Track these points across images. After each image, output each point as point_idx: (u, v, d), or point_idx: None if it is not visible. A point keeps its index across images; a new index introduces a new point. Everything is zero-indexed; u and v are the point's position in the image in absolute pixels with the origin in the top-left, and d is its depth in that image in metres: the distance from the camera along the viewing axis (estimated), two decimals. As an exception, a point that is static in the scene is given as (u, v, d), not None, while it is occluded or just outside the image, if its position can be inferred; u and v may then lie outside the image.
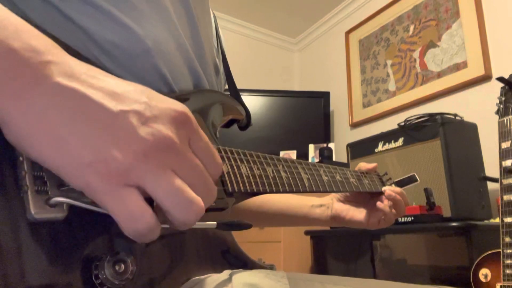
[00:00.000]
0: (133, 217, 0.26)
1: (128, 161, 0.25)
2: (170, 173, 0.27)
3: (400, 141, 1.64)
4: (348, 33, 2.75)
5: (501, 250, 1.08)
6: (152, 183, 0.26)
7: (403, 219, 1.45)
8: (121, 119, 0.26)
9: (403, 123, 1.65)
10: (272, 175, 0.49)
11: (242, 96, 0.56)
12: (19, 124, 0.24)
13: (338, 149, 2.49)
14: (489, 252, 1.15)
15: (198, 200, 0.28)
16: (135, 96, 0.27)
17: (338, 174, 0.64)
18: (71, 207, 0.29)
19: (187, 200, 0.27)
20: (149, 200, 0.27)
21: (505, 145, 1.13)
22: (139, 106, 0.27)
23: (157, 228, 0.27)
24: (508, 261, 1.06)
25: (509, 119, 1.13)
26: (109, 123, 0.25)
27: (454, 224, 1.32)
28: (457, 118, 1.57)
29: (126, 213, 0.26)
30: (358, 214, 0.72)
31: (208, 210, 0.41)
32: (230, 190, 0.43)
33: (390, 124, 2.10)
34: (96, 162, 0.25)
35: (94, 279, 0.30)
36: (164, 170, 0.27)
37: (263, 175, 0.48)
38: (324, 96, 2.72)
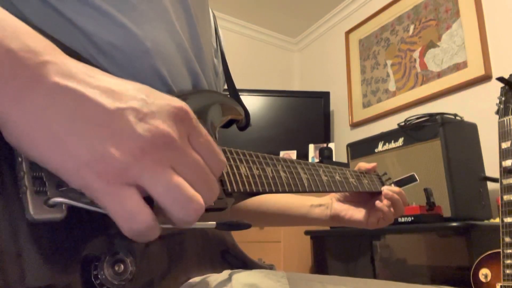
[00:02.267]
0: (130, 217, 0.26)
1: (125, 159, 0.25)
2: (169, 170, 0.27)
3: (400, 141, 1.64)
4: (348, 33, 2.75)
5: (501, 250, 1.08)
6: (150, 180, 0.26)
7: (403, 219, 1.45)
8: (117, 117, 0.26)
9: (403, 123, 1.65)
10: (271, 175, 0.49)
11: (242, 96, 0.56)
12: (19, 125, 0.24)
13: (338, 149, 2.49)
14: (489, 252, 1.15)
15: (198, 197, 0.28)
16: (132, 93, 0.27)
17: (337, 174, 0.64)
18: (70, 207, 0.29)
19: (186, 197, 0.27)
20: (150, 199, 0.27)
21: (505, 145, 1.13)
22: (136, 103, 0.27)
23: (155, 228, 0.27)
24: (508, 261, 1.06)
25: (509, 119, 1.13)
26: (105, 121, 0.25)
27: (454, 224, 1.32)
28: (457, 118, 1.57)
29: (123, 212, 0.25)
30: (357, 213, 0.72)
31: (207, 210, 0.41)
32: (229, 190, 0.43)
33: (390, 124, 2.10)
34: (93, 161, 0.25)
35: (93, 280, 0.30)
36: (162, 167, 0.26)
37: (262, 175, 0.48)
38: (324, 96, 2.72)
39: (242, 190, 0.44)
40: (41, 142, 0.25)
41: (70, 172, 0.25)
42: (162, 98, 0.28)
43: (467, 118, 1.62)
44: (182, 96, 0.44)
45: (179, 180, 0.27)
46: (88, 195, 0.26)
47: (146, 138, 0.26)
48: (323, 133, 2.64)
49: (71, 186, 0.26)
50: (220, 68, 0.61)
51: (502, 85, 1.19)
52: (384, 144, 1.70)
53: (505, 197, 1.10)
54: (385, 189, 0.72)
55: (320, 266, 1.94)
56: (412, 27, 2.26)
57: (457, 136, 1.51)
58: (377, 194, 0.72)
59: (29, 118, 0.24)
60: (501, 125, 1.15)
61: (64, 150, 0.25)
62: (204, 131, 0.30)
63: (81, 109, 0.25)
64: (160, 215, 0.27)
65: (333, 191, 0.62)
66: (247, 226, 0.36)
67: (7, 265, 0.26)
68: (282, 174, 0.51)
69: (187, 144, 0.29)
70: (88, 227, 0.31)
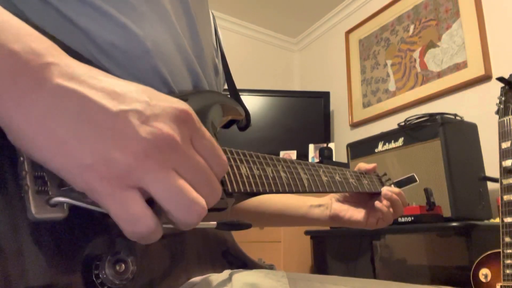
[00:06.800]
0: (133, 220, 0.26)
1: (128, 162, 0.25)
2: (172, 172, 0.27)
3: (400, 141, 1.64)
4: (348, 33, 2.75)
5: (501, 250, 1.08)
6: (153, 183, 0.26)
7: (403, 219, 1.45)
8: (121, 119, 0.25)
9: (403, 123, 1.65)
10: (271, 175, 0.49)
11: (242, 96, 0.56)
12: (21, 127, 0.24)
13: (338, 149, 2.49)
14: (489, 252, 1.15)
15: (200, 200, 0.28)
16: (135, 96, 0.27)
17: (337, 174, 0.64)
18: (71, 207, 0.29)
19: (189, 200, 0.27)
20: (151, 200, 0.27)
21: (505, 145, 1.13)
22: (139, 105, 0.27)
23: (158, 230, 0.27)
24: (508, 261, 1.06)
25: (509, 119, 1.14)
26: (109, 123, 0.25)
27: (454, 224, 1.32)
28: (457, 118, 1.58)
29: (126, 216, 0.26)
30: (356, 214, 0.72)
31: (208, 210, 0.41)
32: (230, 190, 0.43)
33: (390, 124, 2.10)
34: (96, 164, 0.25)
35: (94, 279, 0.30)
36: (165, 170, 0.26)
37: (262, 176, 0.48)
38: (324, 96, 2.72)
39: (242, 190, 0.44)
40: (43, 143, 0.25)
41: (73, 175, 0.25)
42: (165, 100, 0.28)
43: (467, 118, 1.62)
44: (182, 96, 0.44)
45: (181, 183, 0.27)
46: (90, 196, 0.26)
47: (149, 141, 0.26)
48: (323, 133, 2.64)
49: (73, 187, 0.26)
50: (220, 68, 0.61)
51: (502, 85, 1.19)
52: (384, 144, 1.70)
53: (505, 197, 1.10)
54: (385, 189, 0.72)
55: (320, 266, 1.94)
56: (412, 27, 2.26)
57: (457, 136, 1.51)
58: (377, 195, 0.72)
59: (31, 120, 0.24)
60: (501, 125, 1.15)
61: (67, 153, 0.25)
62: (207, 133, 0.30)
63: (84, 112, 0.25)
64: (161, 216, 0.27)
65: (333, 192, 0.62)
66: (247, 226, 0.36)
67: (8, 264, 0.26)
68: (282, 174, 0.51)
69: (190, 147, 0.28)
70: (89, 226, 0.31)
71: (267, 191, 0.48)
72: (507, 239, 1.07)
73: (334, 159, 2.41)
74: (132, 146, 0.25)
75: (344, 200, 0.74)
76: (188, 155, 0.28)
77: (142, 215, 0.26)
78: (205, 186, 0.29)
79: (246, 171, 0.46)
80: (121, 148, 0.25)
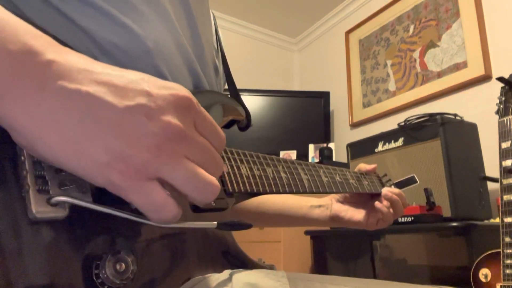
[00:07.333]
0: (159, 208, 0.28)
1: (144, 157, 0.26)
2: (184, 160, 0.28)
3: (400, 141, 1.64)
4: (348, 33, 2.75)
5: (501, 250, 1.08)
6: (169, 172, 0.28)
7: (403, 219, 1.45)
8: (128, 116, 0.26)
9: (403, 123, 1.65)
10: (272, 176, 0.50)
11: (242, 96, 0.56)
12: (29, 128, 0.24)
13: (338, 149, 2.49)
14: (489, 252, 1.15)
15: (214, 180, 0.30)
16: (136, 87, 0.28)
17: (337, 175, 0.64)
18: (72, 206, 0.29)
19: (204, 182, 0.29)
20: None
21: (505, 145, 1.13)
22: (142, 98, 0.27)
23: (180, 213, 0.29)
24: (508, 261, 1.06)
25: (509, 119, 1.14)
26: (117, 120, 0.26)
27: (454, 224, 1.32)
28: (457, 118, 1.58)
29: (152, 205, 0.27)
30: (357, 214, 0.72)
31: (208, 210, 0.42)
32: (230, 190, 0.43)
33: (390, 124, 2.10)
34: (113, 162, 0.26)
35: (94, 279, 0.30)
36: (178, 158, 0.28)
37: (263, 176, 0.48)
38: (324, 96, 2.73)
39: (243, 190, 0.44)
40: (54, 145, 0.25)
41: (92, 173, 0.26)
42: (164, 88, 0.29)
43: (467, 118, 1.62)
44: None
45: (195, 167, 0.29)
46: (112, 191, 0.27)
47: (160, 135, 0.27)
48: (323, 133, 2.64)
49: (94, 185, 0.27)
50: (220, 68, 0.62)
51: (502, 85, 1.19)
52: (384, 144, 1.71)
53: (505, 197, 1.10)
54: (385, 190, 0.72)
55: (320, 266, 1.94)
56: (412, 27, 2.27)
57: (457, 136, 1.51)
58: (377, 195, 0.73)
59: (38, 121, 0.24)
60: (501, 125, 1.15)
61: (81, 153, 0.25)
62: (206, 114, 0.32)
63: (90, 110, 0.25)
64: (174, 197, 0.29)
65: (333, 192, 0.62)
66: (248, 226, 0.36)
67: (9, 264, 0.26)
68: (282, 174, 0.51)
69: (194, 131, 0.30)
70: (90, 226, 0.31)
71: (268, 191, 0.48)
72: (507, 239, 1.07)
73: (334, 159, 2.41)
74: (145, 141, 0.27)
75: (345, 201, 0.74)
76: (195, 140, 0.30)
77: (165, 202, 0.28)
78: (212, 164, 0.31)
79: (247, 171, 0.46)
80: (135, 145, 0.26)
